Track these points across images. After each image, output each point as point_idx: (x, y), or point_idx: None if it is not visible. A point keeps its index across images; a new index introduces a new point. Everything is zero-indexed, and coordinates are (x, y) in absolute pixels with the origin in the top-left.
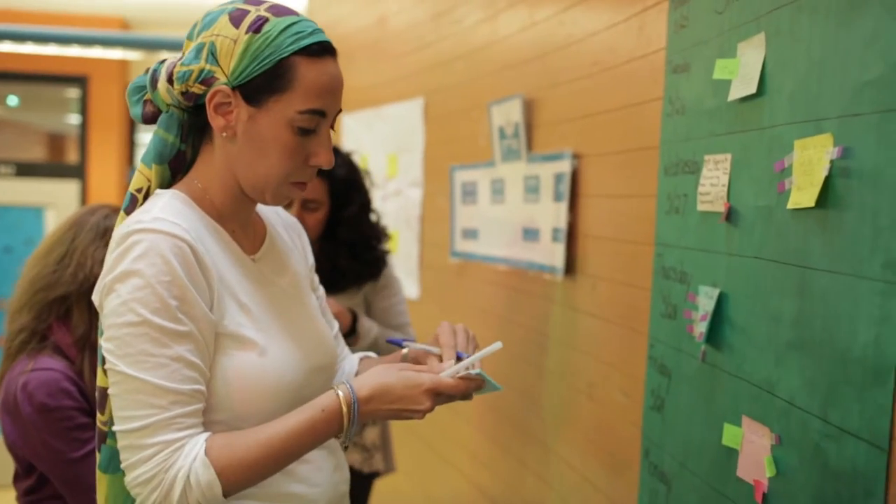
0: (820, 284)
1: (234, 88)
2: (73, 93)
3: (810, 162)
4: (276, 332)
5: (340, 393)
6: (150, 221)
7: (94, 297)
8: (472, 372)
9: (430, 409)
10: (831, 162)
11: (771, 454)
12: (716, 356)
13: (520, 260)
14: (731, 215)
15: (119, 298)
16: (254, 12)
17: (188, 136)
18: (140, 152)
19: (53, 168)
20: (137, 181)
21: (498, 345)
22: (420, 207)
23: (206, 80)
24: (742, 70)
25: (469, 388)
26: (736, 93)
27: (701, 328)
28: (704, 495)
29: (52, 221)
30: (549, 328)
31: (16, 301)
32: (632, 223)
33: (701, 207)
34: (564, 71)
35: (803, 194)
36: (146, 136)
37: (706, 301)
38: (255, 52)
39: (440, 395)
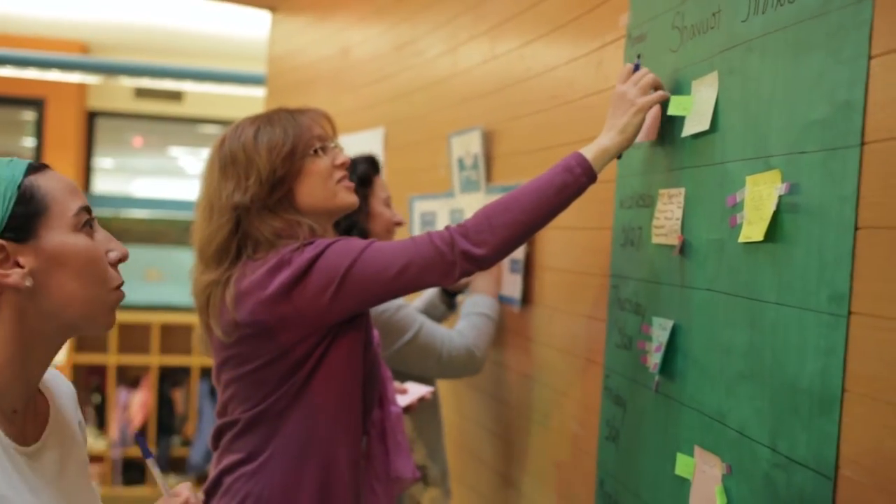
0: (769, 316)
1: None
2: (28, 115)
3: (760, 197)
4: None
5: None
6: None
7: None
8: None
9: None
10: (780, 197)
11: (722, 484)
12: (669, 387)
13: None
14: (684, 248)
15: None
16: None
17: None
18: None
19: None
20: None
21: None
22: None
23: None
24: (696, 107)
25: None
26: (690, 129)
27: (655, 359)
28: None
29: None
30: (506, 358)
31: None
32: (588, 255)
33: (655, 240)
34: (524, 104)
35: (753, 228)
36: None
37: (660, 332)
38: None
39: None
